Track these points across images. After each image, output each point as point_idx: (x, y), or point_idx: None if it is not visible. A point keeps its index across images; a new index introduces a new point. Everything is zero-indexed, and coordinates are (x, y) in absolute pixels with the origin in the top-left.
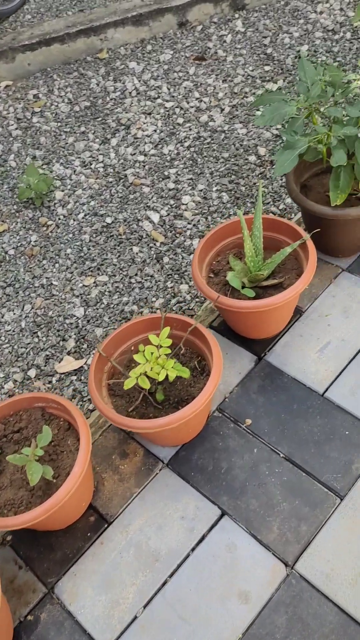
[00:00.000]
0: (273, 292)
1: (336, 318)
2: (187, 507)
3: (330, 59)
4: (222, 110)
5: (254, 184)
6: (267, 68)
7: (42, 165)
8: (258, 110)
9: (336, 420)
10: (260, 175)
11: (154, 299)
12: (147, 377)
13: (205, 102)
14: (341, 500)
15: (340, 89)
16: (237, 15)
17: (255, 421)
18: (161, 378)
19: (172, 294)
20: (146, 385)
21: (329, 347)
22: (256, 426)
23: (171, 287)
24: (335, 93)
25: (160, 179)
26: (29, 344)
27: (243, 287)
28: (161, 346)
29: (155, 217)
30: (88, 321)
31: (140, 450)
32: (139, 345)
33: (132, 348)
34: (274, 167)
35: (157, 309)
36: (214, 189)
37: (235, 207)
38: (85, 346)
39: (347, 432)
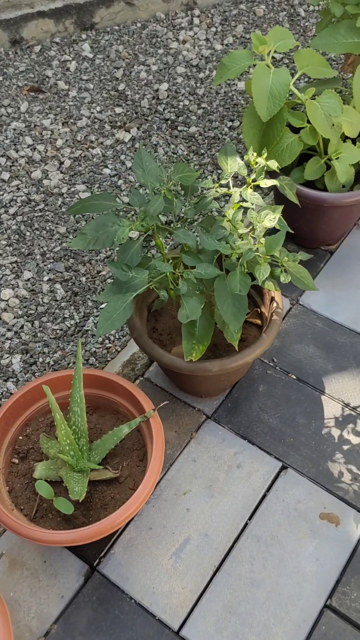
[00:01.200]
0: (106, 489)
1: (198, 498)
2: None
3: (194, 104)
4: (62, 163)
5: (98, 272)
6: (118, 110)
7: None
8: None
9: None
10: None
11: None
12: None
13: (39, 152)
14: None
15: (192, 197)
16: (84, 36)
17: None
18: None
19: None
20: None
21: (188, 547)
22: None
23: None
24: (185, 204)
25: None
26: None
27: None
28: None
29: None
30: None
31: None
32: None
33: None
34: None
35: None
36: (45, 277)
37: (72, 306)
38: None
39: None
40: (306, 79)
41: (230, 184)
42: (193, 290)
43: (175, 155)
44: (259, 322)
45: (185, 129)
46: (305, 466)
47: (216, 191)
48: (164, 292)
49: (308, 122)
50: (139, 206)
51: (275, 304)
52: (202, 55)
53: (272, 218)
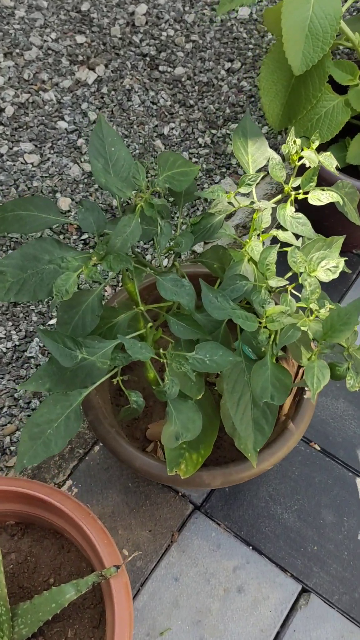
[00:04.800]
0: None
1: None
2: None
3: (181, 35)
4: (1, 111)
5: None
6: (80, 39)
7: None
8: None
9: None
10: None
11: None
12: None
13: None
14: None
15: (186, 209)
16: None
17: None
18: None
19: None
20: None
21: None
22: None
23: None
24: (176, 223)
25: None
26: None
27: None
28: None
29: None
30: None
31: None
32: None
33: None
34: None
35: None
36: None
37: (9, 321)
38: None
39: None
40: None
41: (254, 194)
42: (185, 381)
43: (155, 107)
44: None
45: (169, 69)
46: (335, 591)
47: (229, 203)
48: (137, 396)
49: None
50: (95, 232)
51: None
52: None
53: (332, 266)
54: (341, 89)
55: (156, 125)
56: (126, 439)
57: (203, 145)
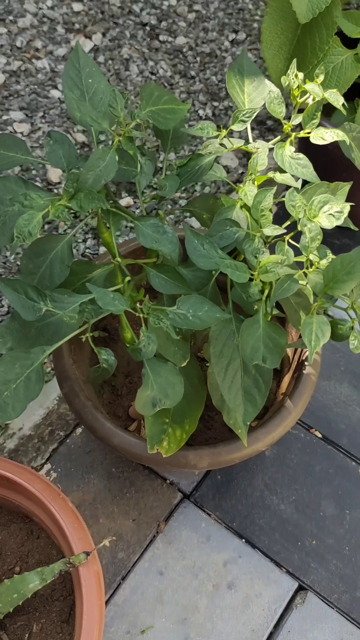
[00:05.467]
0: None
1: None
2: None
3: (183, 5)
4: None
5: None
6: (77, 7)
7: None
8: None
9: None
10: None
11: None
12: None
13: None
14: None
15: (172, 154)
16: None
17: None
18: None
19: None
20: None
21: None
22: None
23: None
24: (161, 166)
25: None
26: None
27: None
28: None
29: None
30: None
31: None
32: None
33: None
34: None
35: None
36: None
37: None
38: None
39: None
40: None
41: (249, 133)
42: (167, 345)
43: (154, 77)
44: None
45: (170, 39)
46: (335, 589)
47: (221, 144)
48: (108, 354)
49: None
50: (66, 168)
51: None
52: None
53: (335, 211)
54: (351, 43)
55: None
56: (105, 414)
57: (204, 117)
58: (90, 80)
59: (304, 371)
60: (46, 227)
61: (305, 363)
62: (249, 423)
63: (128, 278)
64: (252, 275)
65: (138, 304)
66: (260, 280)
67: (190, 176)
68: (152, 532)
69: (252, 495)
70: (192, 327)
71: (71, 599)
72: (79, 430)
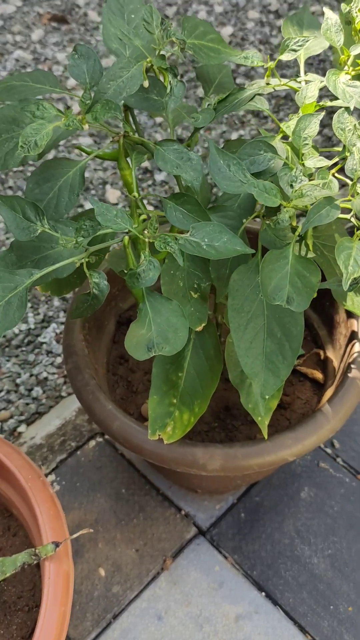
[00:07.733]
0: None
1: None
2: None
3: None
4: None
5: None
6: None
7: None
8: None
9: None
10: None
11: None
12: None
13: None
14: None
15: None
16: None
17: None
18: None
19: None
20: None
21: None
22: None
23: None
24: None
25: None
26: None
27: None
28: None
29: None
30: None
31: None
32: None
33: None
34: None
35: None
36: None
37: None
38: None
39: None
40: None
41: (302, 67)
42: (174, 281)
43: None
44: (319, 375)
45: None
46: None
47: (267, 84)
48: (101, 277)
49: None
50: (88, 84)
51: (358, 345)
52: None
53: None
54: None
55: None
56: (107, 395)
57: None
58: (132, 16)
59: (349, 374)
60: None
61: (352, 366)
62: (272, 400)
63: (144, 216)
64: (287, 202)
65: (145, 231)
66: (295, 206)
67: (227, 108)
68: (156, 568)
69: (280, 542)
70: (206, 256)
71: (37, 611)
72: (92, 442)
